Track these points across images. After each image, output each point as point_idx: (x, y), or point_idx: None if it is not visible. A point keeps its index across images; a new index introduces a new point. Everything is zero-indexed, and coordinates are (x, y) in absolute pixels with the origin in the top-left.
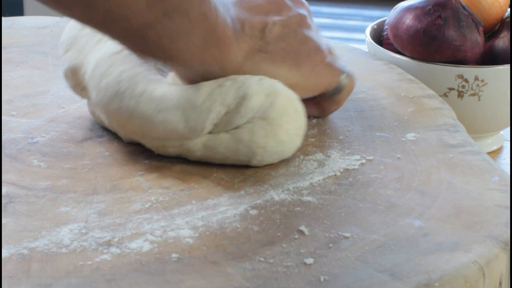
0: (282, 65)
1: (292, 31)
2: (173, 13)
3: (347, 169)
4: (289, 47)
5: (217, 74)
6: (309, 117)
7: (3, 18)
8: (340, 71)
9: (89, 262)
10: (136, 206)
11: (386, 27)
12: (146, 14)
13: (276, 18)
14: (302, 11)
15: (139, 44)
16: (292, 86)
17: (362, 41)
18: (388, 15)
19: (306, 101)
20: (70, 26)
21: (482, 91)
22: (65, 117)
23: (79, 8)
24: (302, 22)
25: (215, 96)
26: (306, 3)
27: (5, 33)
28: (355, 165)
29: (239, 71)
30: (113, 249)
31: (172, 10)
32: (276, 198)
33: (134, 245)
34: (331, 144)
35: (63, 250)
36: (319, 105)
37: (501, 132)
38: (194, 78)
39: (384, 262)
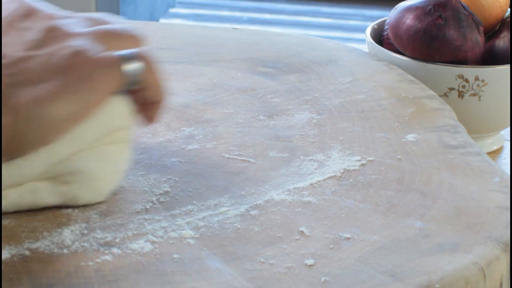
0: (51, 99)
1: (37, 53)
2: None
3: (348, 170)
4: (43, 74)
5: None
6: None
7: None
8: (118, 62)
9: (90, 263)
10: (137, 207)
11: (386, 27)
12: None
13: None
14: (40, 25)
15: None
16: (78, 112)
17: (362, 41)
18: (389, 15)
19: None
20: None
21: (482, 91)
22: None
23: None
24: (36, 43)
25: None
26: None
27: None
28: (355, 166)
29: (12, 137)
30: (114, 250)
31: None
32: (277, 198)
33: (135, 245)
34: (331, 144)
35: (65, 250)
36: (143, 100)
37: (502, 132)
38: None
39: (384, 263)
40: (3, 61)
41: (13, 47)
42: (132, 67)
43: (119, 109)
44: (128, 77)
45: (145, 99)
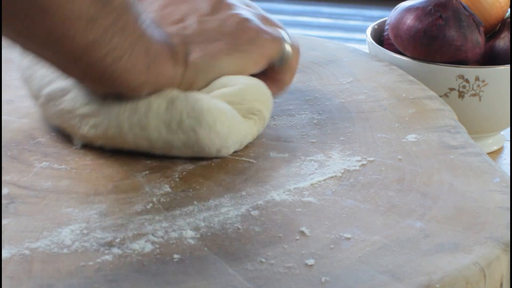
0: (220, 55)
1: (211, 18)
2: (111, 31)
3: (348, 170)
4: (215, 35)
5: (155, 91)
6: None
7: None
8: (280, 39)
9: (90, 263)
10: (137, 207)
11: (386, 27)
12: (87, 32)
13: (183, 21)
14: None
15: (81, 66)
16: (240, 68)
17: (362, 41)
18: (389, 15)
19: (263, 80)
20: None
21: (482, 91)
22: None
23: (21, 24)
24: (218, 3)
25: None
26: None
27: None
28: (356, 166)
29: (180, 84)
30: (115, 250)
31: (109, 28)
32: (277, 199)
33: (135, 245)
34: (332, 145)
35: (65, 250)
36: (275, 80)
37: (502, 133)
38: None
39: (385, 263)
40: (181, 25)
41: (188, 14)
42: (287, 47)
43: (262, 88)
44: (282, 54)
45: (276, 78)
